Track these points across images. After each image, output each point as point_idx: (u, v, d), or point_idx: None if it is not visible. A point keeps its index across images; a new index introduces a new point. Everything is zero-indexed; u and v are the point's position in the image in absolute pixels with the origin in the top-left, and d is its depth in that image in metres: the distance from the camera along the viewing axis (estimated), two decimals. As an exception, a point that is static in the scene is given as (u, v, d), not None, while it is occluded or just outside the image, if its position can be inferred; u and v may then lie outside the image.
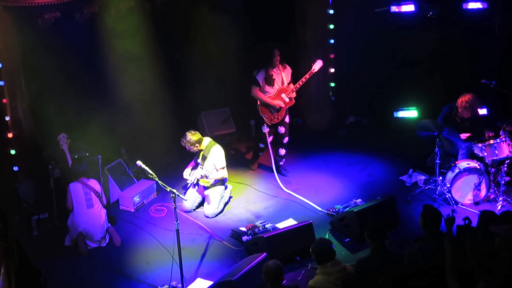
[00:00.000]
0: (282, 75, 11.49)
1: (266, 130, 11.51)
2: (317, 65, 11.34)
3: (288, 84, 11.52)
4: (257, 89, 11.45)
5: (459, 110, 10.96)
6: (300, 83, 11.33)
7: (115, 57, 12.02)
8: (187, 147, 10.65)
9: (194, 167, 10.87)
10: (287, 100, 11.45)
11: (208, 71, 13.55)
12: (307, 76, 11.29)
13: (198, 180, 10.73)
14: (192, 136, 10.56)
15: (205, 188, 10.83)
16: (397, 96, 13.59)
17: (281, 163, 12.11)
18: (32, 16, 10.68)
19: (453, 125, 10.81)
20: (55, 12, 10.68)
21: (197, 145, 10.61)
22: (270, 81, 11.42)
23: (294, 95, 11.47)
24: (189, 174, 10.86)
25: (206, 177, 10.63)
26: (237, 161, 13.04)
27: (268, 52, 11.37)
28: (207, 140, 10.81)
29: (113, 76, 12.13)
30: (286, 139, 11.86)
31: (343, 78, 14.40)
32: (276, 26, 13.57)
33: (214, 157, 10.66)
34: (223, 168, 10.76)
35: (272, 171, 11.81)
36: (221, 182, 10.87)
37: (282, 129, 11.73)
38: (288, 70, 11.60)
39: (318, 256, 7.17)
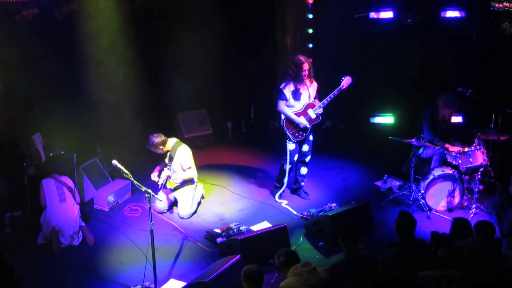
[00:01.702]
0: (309, 90, 10.71)
1: (291, 146, 10.80)
2: (347, 82, 10.60)
3: (314, 99, 10.79)
4: (284, 103, 10.64)
5: (439, 109, 10.94)
6: (328, 99, 10.53)
7: (93, 55, 11.99)
8: (152, 149, 10.62)
9: (162, 170, 10.82)
10: (313, 116, 10.72)
11: (185, 72, 13.55)
12: (335, 92, 10.48)
13: (166, 181, 10.72)
14: (155, 138, 10.51)
15: (172, 190, 10.85)
16: (373, 101, 13.69)
17: (302, 183, 11.40)
18: (9, 13, 10.61)
19: (432, 127, 10.91)
20: (33, 8, 10.63)
21: (161, 147, 10.57)
22: (297, 96, 10.60)
23: (321, 111, 10.69)
24: (157, 176, 10.79)
25: (170, 177, 10.65)
26: (213, 162, 13.05)
27: (297, 64, 10.49)
28: (172, 141, 10.77)
29: (90, 74, 12.08)
30: (309, 158, 11.14)
31: (320, 83, 14.40)
32: (255, 29, 13.59)
33: (181, 157, 10.62)
34: (190, 167, 10.71)
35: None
36: (190, 181, 10.85)
37: (306, 147, 11.01)
38: (315, 84, 10.81)
39: (287, 260, 7.15)
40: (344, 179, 12.17)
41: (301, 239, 9.86)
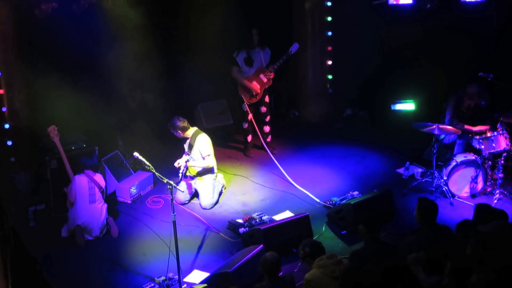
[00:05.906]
0: (261, 56, 12.06)
1: (246, 108, 12.17)
2: (294, 48, 11.81)
3: (267, 65, 12.06)
4: (236, 70, 12.10)
5: (466, 99, 10.87)
6: (278, 64, 11.90)
7: (112, 47, 11.98)
8: (171, 130, 10.71)
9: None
10: (265, 80, 12.00)
11: (205, 63, 13.48)
12: (284, 57, 11.83)
13: (186, 169, 10.73)
14: (179, 122, 10.61)
15: (192, 177, 10.88)
16: (394, 88, 13.61)
17: (268, 139, 12.55)
18: (29, 7, 10.65)
19: (459, 115, 10.82)
20: (52, 2, 10.66)
21: (179, 131, 10.64)
22: (249, 62, 12.06)
23: (272, 75, 11.98)
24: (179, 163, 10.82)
25: (189, 161, 10.67)
26: (234, 153, 13.06)
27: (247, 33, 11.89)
28: (193, 130, 10.80)
29: (110, 67, 12.07)
30: (268, 118, 12.47)
31: (340, 71, 14.39)
32: (274, 18, 13.55)
33: (200, 145, 10.64)
34: (209, 155, 10.71)
35: (269, 160, 11.97)
36: (209, 171, 10.87)
37: (263, 109, 12.38)
38: (267, 51, 12.14)
39: (312, 251, 7.13)
40: (365, 166, 12.11)
41: (323, 228, 9.85)
